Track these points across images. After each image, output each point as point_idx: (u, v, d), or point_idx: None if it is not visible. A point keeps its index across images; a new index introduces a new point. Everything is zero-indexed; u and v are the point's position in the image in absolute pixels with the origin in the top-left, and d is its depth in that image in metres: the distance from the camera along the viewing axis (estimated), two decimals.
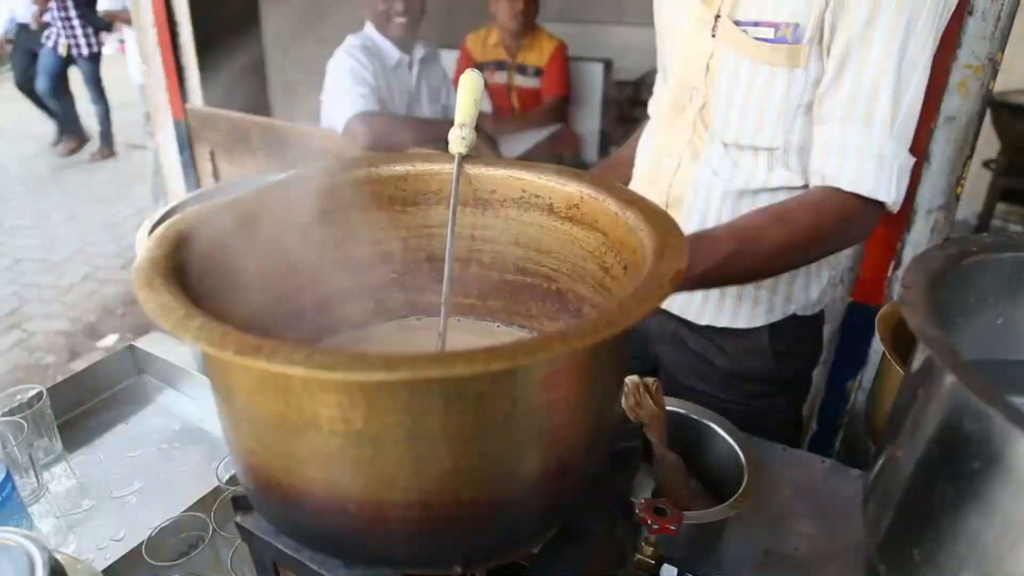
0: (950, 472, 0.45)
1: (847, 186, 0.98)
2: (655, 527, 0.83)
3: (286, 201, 0.64)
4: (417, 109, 2.58)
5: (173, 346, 1.39)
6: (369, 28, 2.42)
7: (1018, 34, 1.48)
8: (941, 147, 1.53)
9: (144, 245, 0.51)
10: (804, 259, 1.06)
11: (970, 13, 1.41)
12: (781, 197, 1.13)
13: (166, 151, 3.03)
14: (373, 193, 0.70)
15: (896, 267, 1.66)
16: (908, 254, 1.64)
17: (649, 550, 0.85)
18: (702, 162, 1.14)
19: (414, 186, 0.71)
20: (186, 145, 2.87)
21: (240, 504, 0.65)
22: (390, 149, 2.26)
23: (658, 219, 0.55)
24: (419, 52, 2.52)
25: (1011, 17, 1.41)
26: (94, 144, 6.15)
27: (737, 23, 1.04)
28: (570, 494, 0.52)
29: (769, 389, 1.31)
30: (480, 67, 3.57)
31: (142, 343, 1.27)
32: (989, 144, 3.52)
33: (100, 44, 5.76)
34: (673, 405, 1.07)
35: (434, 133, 2.32)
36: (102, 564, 0.86)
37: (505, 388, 0.40)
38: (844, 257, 1.71)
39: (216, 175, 2.84)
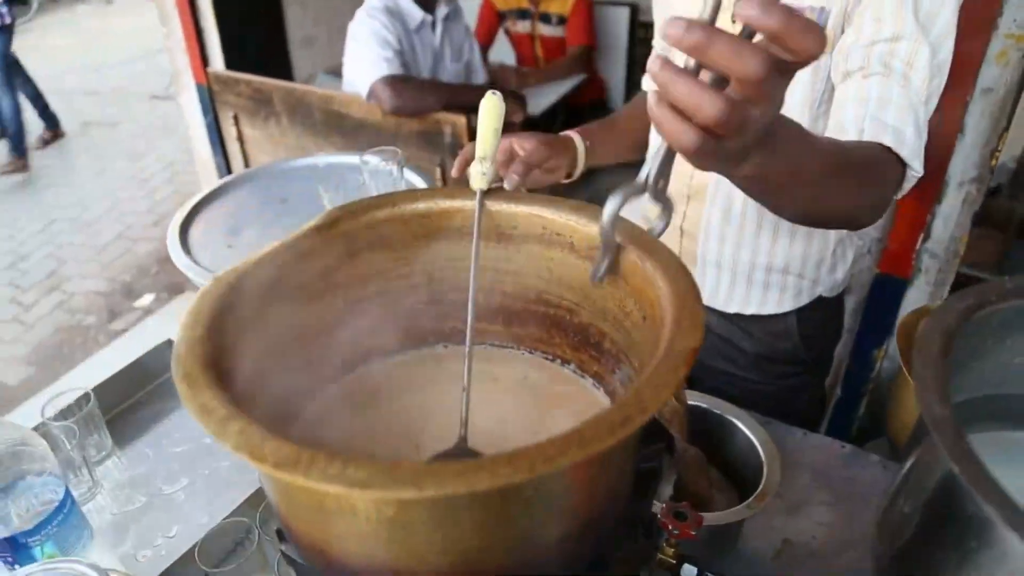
0: (951, 540, 0.48)
1: (890, 142, 0.86)
2: (676, 532, 0.87)
3: (311, 249, 0.66)
4: (441, 68, 2.56)
5: None
6: None
7: None
8: (976, 119, 1.49)
9: (181, 323, 0.53)
10: (840, 189, 0.82)
11: None
12: None
13: (190, 115, 3.05)
14: (397, 231, 0.71)
15: (925, 239, 1.65)
16: (938, 227, 1.63)
17: (670, 551, 0.89)
18: None
19: (437, 223, 0.72)
20: (209, 108, 2.88)
21: (283, 535, 0.69)
22: (415, 113, 2.26)
23: (678, 278, 0.56)
24: (442, 11, 2.48)
25: None
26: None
27: None
28: (590, 548, 0.55)
29: (796, 369, 1.33)
30: (502, 16, 3.51)
31: (177, 304, 1.32)
32: None
33: (12, 16, 4.79)
34: (695, 399, 1.09)
35: (459, 98, 2.30)
36: (158, 563, 0.92)
37: (526, 487, 0.43)
38: (872, 228, 1.70)
39: (240, 139, 2.86)
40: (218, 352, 0.52)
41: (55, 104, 5.35)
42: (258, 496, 0.98)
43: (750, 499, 0.94)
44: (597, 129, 1.20)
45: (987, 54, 1.42)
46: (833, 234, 1.20)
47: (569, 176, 1.13)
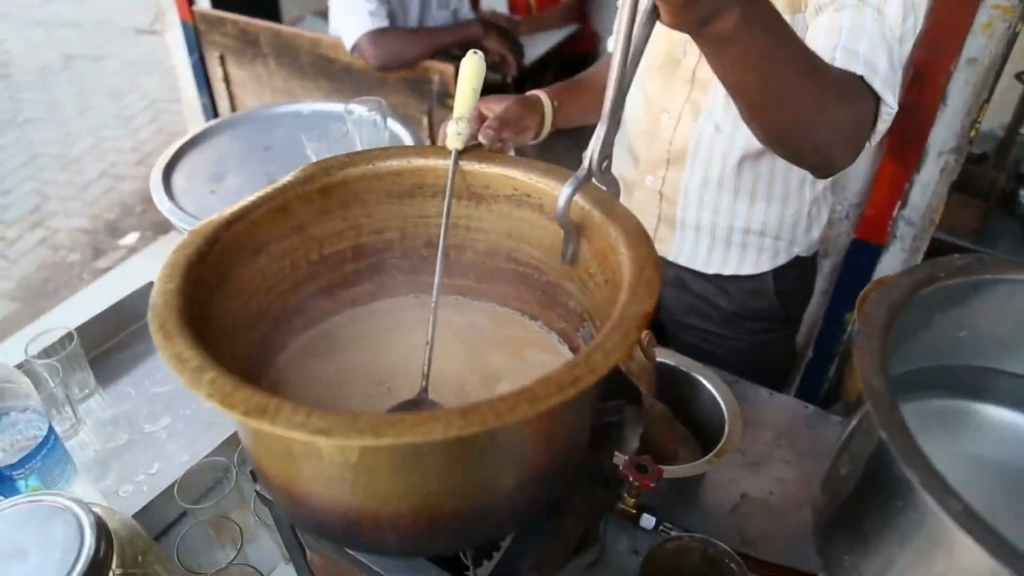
0: (879, 502, 0.51)
1: (862, 71, 0.85)
2: (636, 483, 0.91)
3: (287, 203, 0.68)
4: (428, 15, 2.52)
5: None
6: None
7: None
8: (959, 88, 1.50)
9: (158, 276, 0.55)
10: (816, 94, 0.78)
11: None
12: (774, 160, 1.14)
13: (175, 53, 2.99)
14: (371, 188, 0.73)
15: (902, 206, 1.67)
16: (916, 194, 1.65)
17: (631, 501, 0.93)
18: (703, 118, 1.14)
19: (410, 180, 0.74)
20: (195, 48, 2.83)
21: (256, 476, 0.73)
22: (401, 66, 2.24)
23: (639, 244, 0.58)
24: None
25: None
26: None
27: None
28: (547, 495, 0.58)
29: (770, 325, 1.37)
30: None
31: (162, 243, 1.33)
32: None
33: None
34: (664, 357, 1.12)
35: (444, 40, 2.28)
36: (139, 498, 0.96)
37: (479, 438, 0.45)
38: (851, 193, 1.73)
39: (227, 79, 2.82)
40: (193, 303, 0.55)
41: (37, 35, 5.22)
42: (236, 437, 1.01)
43: (710, 454, 0.98)
44: (564, 89, 1.20)
45: (973, 24, 1.42)
46: (808, 194, 1.22)
47: (536, 137, 1.13)
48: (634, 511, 0.94)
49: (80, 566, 0.65)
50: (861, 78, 0.84)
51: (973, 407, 0.69)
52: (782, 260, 1.28)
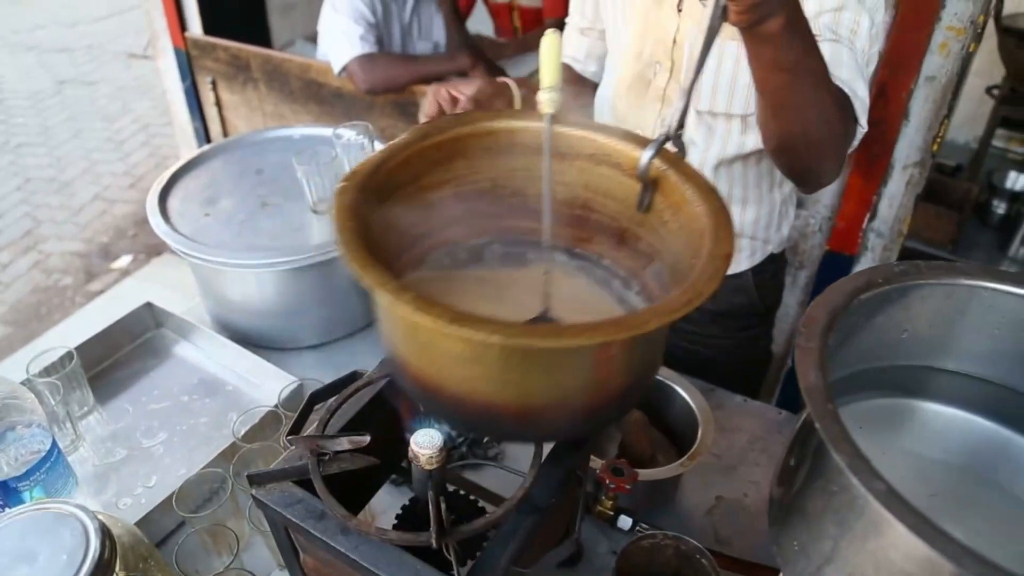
0: (819, 488, 0.56)
1: (846, 88, 0.97)
2: (612, 486, 0.96)
3: (407, 158, 0.80)
4: (410, 45, 2.58)
5: (183, 292, 1.50)
6: None
7: None
8: (920, 105, 1.57)
9: (335, 221, 0.66)
10: (826, 104, 0.92)
11: None
12: (753, 162, 1.22)
13: (168, 78, 3.05)
14: (472, 145, 0.84)
15: (872, 219, 1.74)
16: (884, 207, 1.72)
17: (608, 503, 0.98)
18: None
19: (504, 139, 0.85)
20: (187, 73, 2.89)
21: (255, 479, 0.77)
22: (388, 90, 2.30)
23: (711, 199, 0.71)
24: None
25: None
26: None
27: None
28: (610, 407, 0.72)
29: (751, 322, 1.45)
30: None
31: (155, 265, 1.38)
32: (995, 69, 3.48)
33: None
34: None
35: (430, 69, 2.34)
36: (138, 510, 1.00)
37: (614, 345, 0.62)
38: (823, 206, 1.79)
39: (219, 104, 2.88)
40: (365, 238, 0.65)
41: (29, 60, 5.28)
42: (232, 449, 1.05)
43: (684, 457, 1.03)
44: (528, 81, 1.29)
45: (930, 45, 1.49)
46: (778, 196, 1.31)
47: None
48: (611, 513, 0.98)
49: (86, 568, 0.70)
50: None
51: (915, 405, 0.75)
52: (759, 259, 1.38)
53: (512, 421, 0.68)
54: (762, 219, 1.32)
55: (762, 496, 1.12)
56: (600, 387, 0.68)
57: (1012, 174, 3.32)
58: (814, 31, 0.94)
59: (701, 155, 1.21)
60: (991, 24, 3.12)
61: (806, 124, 0.91)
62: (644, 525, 0.99)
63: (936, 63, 1.51)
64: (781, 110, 0.91)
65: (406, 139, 0.80)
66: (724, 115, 1.17)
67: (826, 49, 0.95)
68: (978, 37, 1.49)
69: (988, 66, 3.55)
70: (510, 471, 0.80)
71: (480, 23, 3.59)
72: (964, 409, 0.75)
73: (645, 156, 0.76)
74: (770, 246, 1.37)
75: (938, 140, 1.59)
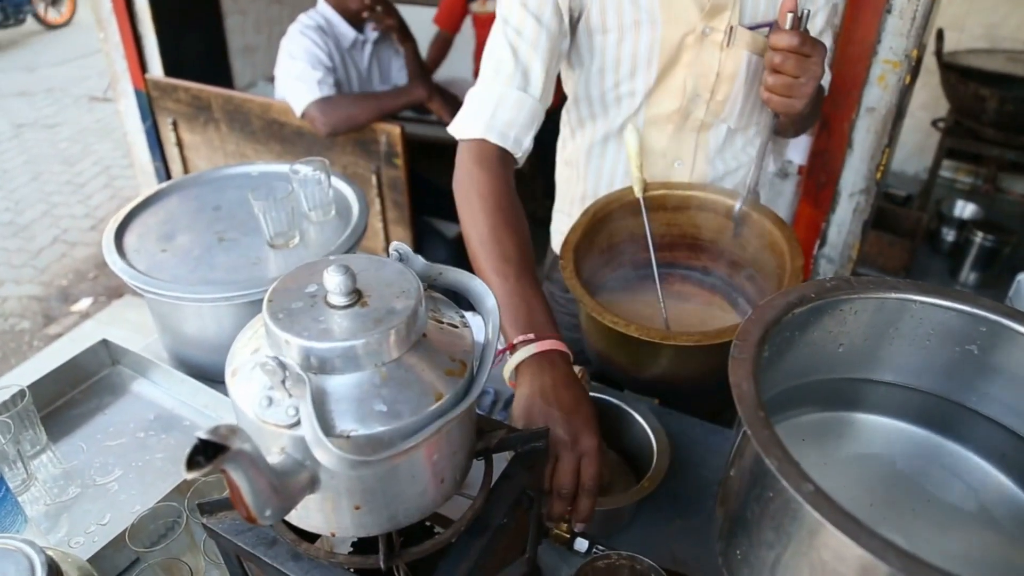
0: (756, 496, 0.58)
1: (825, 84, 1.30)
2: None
3: (585, 225, 1.26)
4: (369, 90, 2.62)
5: (144, 332, 1.49)
6: (323, 5, 2.43)
7: None
8: (862, 136, 1.64)
9: (561, 251, 1.20)
10: (818, 108, 1.32)
11: (888, 11, 1.51)
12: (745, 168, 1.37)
13: (128, 120, 3.05)
14: (599, 218, 1.28)
15: (822, 245, 1.79)
16: (833, 233, 1.77)
17: (564, 526, 0.99)
18: (711, 151, 1.31)
19: (617, 211, 1.30)
20: (148, 114, 2.90)
21: (205, 508, 0.77)
22: (349, 130, 2.33)
23: (782, 227, 1.19)
24: (372, 33, 2.55)
25: (926, 16, 1.50)
26: None
27: (751, 27, 1.16)
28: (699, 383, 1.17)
29: None
30: None
31: (115, 307, 1.37)
32: (939, 103, 3.63)
33: None
34: (598, 391, 1.19)
35: (390, 106, 2.38)
36: (91, 548, 0.98)
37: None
38: None
39: (180, 144, 2.88)
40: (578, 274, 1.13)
41: None
42: (187, 483, 1.04)
43: (636, 486, 1.04)
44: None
45: (869, 77, 1.56)
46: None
47: None
48: (568, 536, 0.99)
49: None
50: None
51: (853, 417, 0.78)
52: None
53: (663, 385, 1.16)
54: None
55: (713, 520, 1.14)
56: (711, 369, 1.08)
57: (960, 203, 3.45)
58: (822, 25, 1.26)
59: (725, 166, 1.35)
60: (934, 61, 3.27)
61: (809, 126, 1.37)
62: (601, 547, 0.99)
63: (875, 95, 1.58)
64: (798, 130, 1.33)
65: (584, 217, 1.26)
66: (743, 128, 1.32)
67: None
68: (914, 70, 1.56)
69: (933, 100, 3.71)
70: (463, 496, 0.80)
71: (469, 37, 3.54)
72: (900, 419, 0.77)
73: (737, 205, 1.23)
74: None
75: (881, 168, 1.66)
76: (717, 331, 1.02)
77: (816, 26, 1.24)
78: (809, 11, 1.06)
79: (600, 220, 1.27)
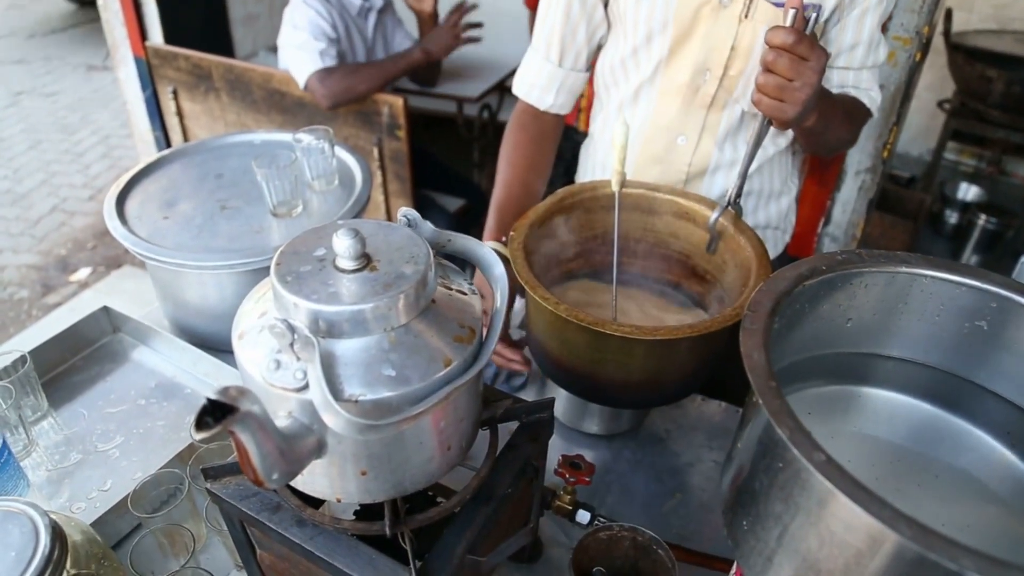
0: (765, 466, 0.58)
1: (873, 108, 1.25)
2: (572, 480, 0.97)
3: (547, 214, 1.14)
4: (373, 59, 2.59)
5: (143, 303, 1.48)
6: None
7: None
8: None
9: (511, 248, 1.02)
10: (849, 133, 1.25)
11: None
12: (788, 154, 1.34)
13: (128, 88, 3.02)
14: (567, 204, 1.16)
15: (826, 223, 1.78)
16: (837, 212, 1.76)
17: (567, 498, 0.99)
18: (720, 134, 1.25)
19: (591, 202, 1.18)
20: (148, 83, 2.87)
21: (209, 473, 0.77)
22: (351, 102, 2.30)
23: (756, 245, 1.04)
24: (379, 1, 2.51)
25: None
26: None
27: (774, 3, 1.11)
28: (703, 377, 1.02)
29: None
30: None
31: (114, 277, 1.36)
32: (945, 84, 3.60)
33: None
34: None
35: (391, 73, 2.35)
36: (93, 514, 0.98)
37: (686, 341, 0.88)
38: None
39: (180, 113, 2.85)
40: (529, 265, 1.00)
41: None
42: (189, 450, 1.04)
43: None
44: (502, 225, 1.33)
45: None
46: (796, 185, 1.44)
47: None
48: (570, 507, 0.99)
49: (35, 565, 0.69)
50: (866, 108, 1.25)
51: (861, 391, 0.77)
52: (780, 249, 1.47)
53: (615, 389, 0.99)
54: (783, 208, 1.40)
55: (720, 492, 1.14)
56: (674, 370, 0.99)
57: (963, 185, 3.44)
58: (840, 84, 1.24)
59: (738, 153, 1.28)
60: (942, 41, 3.24)
61: (833, 143, 1.24)
62: (603, 519, 0.99)
63: (884, 71, 1.56)
64: (817, 147, 1.27)
65: (549, 202, 1.15)
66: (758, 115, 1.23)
67: (865, 75, 1.22)
68: (924, 48, 1.55)
69: (939, 81, 3.68)
70: (467, 468, 0.80)
71: None
72: (908, 394, 0.77)
73: (714, 215, 1.09)
74: (787, 236, 1.46)
75: (888, 147, 1.64)
76: (668, 328, 0.89)
77: (856, 31, 1.17)
78: (817, 14, 0.98)
79: (568, 208, 1.16)
